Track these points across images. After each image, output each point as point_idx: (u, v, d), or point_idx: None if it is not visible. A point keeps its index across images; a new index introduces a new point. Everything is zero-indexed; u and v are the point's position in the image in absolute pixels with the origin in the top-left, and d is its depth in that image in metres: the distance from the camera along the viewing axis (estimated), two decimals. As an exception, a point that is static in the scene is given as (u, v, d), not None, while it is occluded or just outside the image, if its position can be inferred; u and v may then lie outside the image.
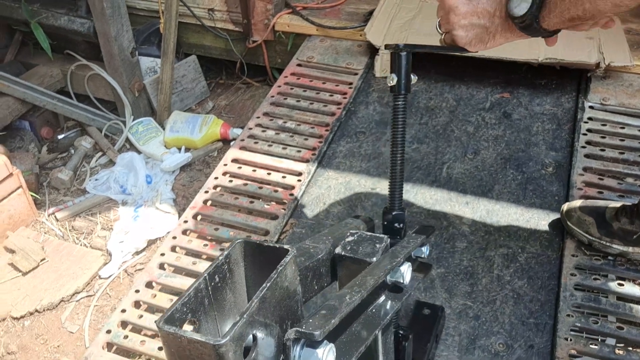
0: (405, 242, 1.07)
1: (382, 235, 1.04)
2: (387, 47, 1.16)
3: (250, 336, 0.66)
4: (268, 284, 0.68)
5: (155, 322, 0.64)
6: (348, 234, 1.03)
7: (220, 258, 0.74)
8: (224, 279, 0.74)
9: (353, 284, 0.86)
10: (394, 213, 1.19)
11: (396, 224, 1.20)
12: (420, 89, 2.36)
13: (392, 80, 1.15)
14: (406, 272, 0.98)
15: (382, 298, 0.98)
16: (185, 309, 0.68)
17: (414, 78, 1.17)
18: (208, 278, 0.72)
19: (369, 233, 1.05)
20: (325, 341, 0.71)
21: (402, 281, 0.98)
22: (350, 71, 2.47)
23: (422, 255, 1.13)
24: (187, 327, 0.67)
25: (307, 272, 0.91)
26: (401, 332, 1.23)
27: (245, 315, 0.63)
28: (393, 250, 1.02)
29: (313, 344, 0.70)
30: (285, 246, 0.75)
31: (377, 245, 1.00)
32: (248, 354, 0.65)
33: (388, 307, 0.96)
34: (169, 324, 0.64)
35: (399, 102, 1.17)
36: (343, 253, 0.99)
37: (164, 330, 0.63)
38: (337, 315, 0.74)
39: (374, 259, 0.97)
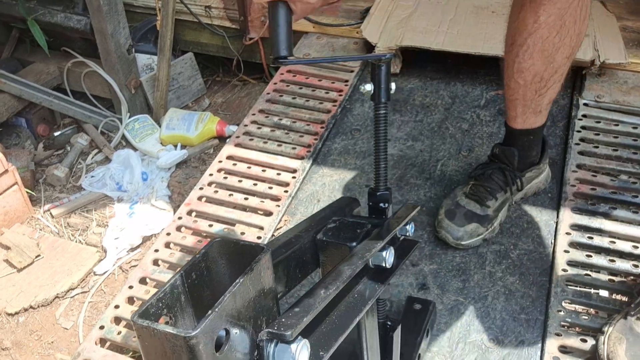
0: (387, 225, 1.07)
1: (363, 221, 1.04)
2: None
3: (223, 331, 0.67)
4: (241, 280, 0.69)
5: (130, 317, 0.65)
6: (330, 221, 1.04)
7: (197, 256, 0.75)
8: (201, 276, 0.75)
9: (329, 275, 0.86)
10: (379, 193, 1.19)
11: (381, 204, 1.20)
12: (416, 87, 2.36)
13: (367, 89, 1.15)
14: (388, 255, 0.98)
15: (364, 282, 0.97)
16: (160, 305, 0.69)
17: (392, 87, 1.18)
18: (184, 275, 0.73)
19: (351, 219, 1.05)
20: (299, 337, 0.72)
21: (384, 265, 0.98)
22: (347, 68, 2.47)
23: (407, 234, 1.13)
24: (163, 323, 0.67)
25: (289, 262, 0.92)
26: (389, 322, 1.23)
27: (216, 309, 0.64)
28: (374, 234, 1.02)
29: (286, 341, 0.72)
30: (262, 244, 0.76)
31: (359, 230, 1.00)
32: (220, 348, 0.66)
33: (371, 291, 0.96)
34: (143, 318, 0.65)
35: (380, 111, 1.18)
36: (324, 238, 0.99)
37: (138, 324, 0.64)
38: (310, 312, 0.75)
39: (355, 243, 0.97)
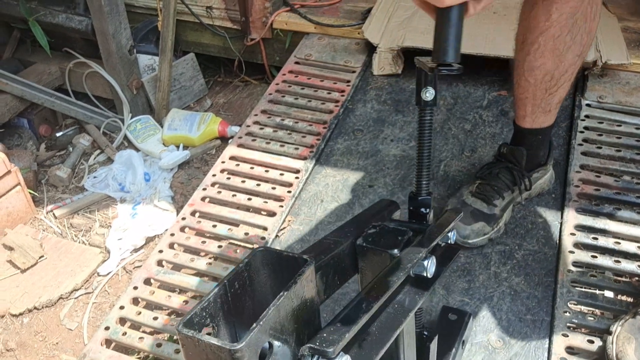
0: (429, 232, 1.03)
1: (404, 228, 1.02)
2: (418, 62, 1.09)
3: (267, 343, 0.67)
4: (284, 293, 0.69)
5: (174, 325, 0.65)
6: (370, 226, 1.01)
7: (241, 265, 0.75)
8: (243, 286, 0.75)
9: (372, 287, 0.84)
10: (420, 198, 1.16)
11: (422, 209, 1.16)
12: (418, 87, 2.36)
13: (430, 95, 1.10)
14: (430, 264, 0.95)
15: (405, 293, 0.94)
16: (204, 314, 0.69)
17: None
18: (228, 284, 0.73)
19: (392, 225, 1.02)
20: (340, 352, 0.72)
21: (425, 274, 0.95)
22: (348, 69, 2.47)
23: (449, 241, 1.08)
24: (205, 332, 0.68)
25: (328, 269, 0.90)
26: (426, 332, 1.20)
27: (261, 322, 0.65)
28: (416, 242, 0.98)
29: (329, 357, 0.71)
30: (305, 256, 0.75)
31: (400, 237, 0.98)
32: None
33: (411, 302, 0.93)
34: (188, 328, 0.65)
35: (426, 117, 1.13)
36: (364, 244, 0.97)
37: (183, 333, 0.64)
38: (352, 328, 0.74)
39: (396, 250, 0.95)
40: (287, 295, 0.69)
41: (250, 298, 0.76)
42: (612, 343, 1.40)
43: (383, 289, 0.84)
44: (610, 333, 1.43)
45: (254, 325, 0.64)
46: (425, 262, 0.95)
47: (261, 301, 0.77)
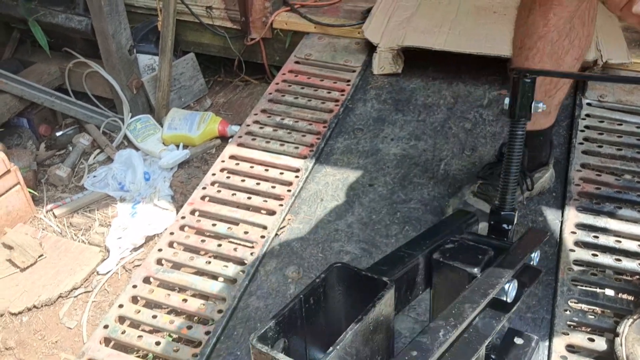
0: (512, 253, 0.96)
1: (485, 246, 0.97)
2: (511, 70, 1.07)
3: None
4: (363, 318, 0.67)
5: (249, 339, 0.65)
6: (448, 239, 0.97)
7: (317, 280, 0.74)
8: (318, 301, 0.74)
9: (449, 313, 0.79)
10: (503, 213, 1.09)
11: (505, 225, 1.10)
12: (418, 87, 2.36)
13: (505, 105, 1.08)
14: (511, 288, 0.89)
15: (481, 317, 0.88)
16: (278, 328, 0.69)
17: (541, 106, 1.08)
18: (303, 299, 0.72)
19: (471, 241, 0.98)
20: None
21: (505, 298, 0.89)
22: (348, 68, 2.47)
23: (531, 262, 1.00)
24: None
25: (401, 284, 0.87)
26: (493, 356, 1.14)
27: (337, 347, 0.63)
28: (498, 263, 0.92)
29: None
30: (385, 278, 0.73)
31: (480, 256, 0.93)
32: None
33: (488, 328, 0.87)
34: (262, 342, 0.65)
35: (517, 130, 1.10)
36: (442, 259, 0.92)
37: (256, 347, 0.64)
38: (429, 359, 0.71)
39: (475, 269, 0.90)
40: (365, 319, 0.67)
41: (324, 313, 0.75)
42: (622, 345, 1.38)
43: (462, 316, 0.79)
44: (617, 334, 1.41)
45: (331, 349, 0.63)
46: (507, 286, 0.89)
47: (333, 318, 0.75)
